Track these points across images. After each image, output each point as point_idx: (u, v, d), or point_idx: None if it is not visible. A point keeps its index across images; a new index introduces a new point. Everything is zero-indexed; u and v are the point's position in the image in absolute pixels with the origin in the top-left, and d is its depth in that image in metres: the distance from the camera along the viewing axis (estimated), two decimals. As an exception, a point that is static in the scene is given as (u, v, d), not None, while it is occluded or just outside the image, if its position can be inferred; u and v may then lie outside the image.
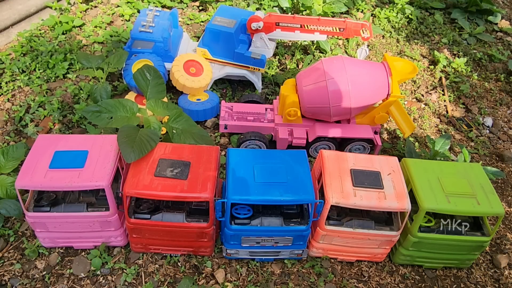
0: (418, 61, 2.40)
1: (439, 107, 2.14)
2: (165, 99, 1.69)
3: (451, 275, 1.43)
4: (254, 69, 1.91)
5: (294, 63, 2.23)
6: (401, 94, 1.77)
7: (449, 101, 2.18)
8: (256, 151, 1.35)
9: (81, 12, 2.40)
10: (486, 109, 2.17)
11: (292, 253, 1.34)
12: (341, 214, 1.32)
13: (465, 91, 2.21)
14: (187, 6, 2.58)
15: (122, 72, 1.79)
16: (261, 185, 1.20)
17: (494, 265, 1.48)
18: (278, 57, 2.25)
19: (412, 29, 2.66)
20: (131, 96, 1.80)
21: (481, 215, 1.30)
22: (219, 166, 1.30)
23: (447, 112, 2.11)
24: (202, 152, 1.29)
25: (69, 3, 2.41)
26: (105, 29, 2.32)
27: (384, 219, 1.32)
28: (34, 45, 2.09)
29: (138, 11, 2.44)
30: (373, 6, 2.81)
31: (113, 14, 2.44)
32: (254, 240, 1.27)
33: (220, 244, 1.37)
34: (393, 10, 2.73)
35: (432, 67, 2.36)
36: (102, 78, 1.75)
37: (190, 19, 2.47)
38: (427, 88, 2.24)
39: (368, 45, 2.42)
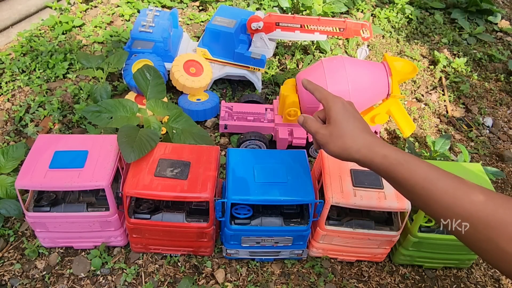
0: (418, 61, 2.40)
1: (439, 107, 2.14)
2: (165, 99, 1.69)
3: (451, 275, 1.43)
4: (254, 69, 1.91)
5: (294, 63, 2.23)
6: (401, 94, 1.77)
7: (449, 101, 2.18)
8: (256, 151, 1.35)
9: (81, 12, 2.40)
10: (486, 109, 2.17)
11: (292, 253, 1.34)
12: (341, 214, 1.32)
13: (465, 91, 2.21)
14: (187, 6, 2.59)
15: (122, 72, 1.79)
16: (261, 185, 1.20)
17: (494, 265, 1.48)
18: (278, 57, 2.25)
19: (412, 29, 2.66)
20: (131, 96, 1.80)
21: (481, 215, 1.29)
22: (219, 166, 1.30)
23: (447, 112, 2.11)
24: (202, 152, 1.29)
25: (69, 3, 2.41)
26: (105, 29, 2.32)
27: (384, 219, 1.33)
28: (34, 45, 2.09)
29: (138, 11, 2.44)
30: (373, 6, 2.81)
31: (113, 14, 2.44)
32: (254, 240, 1.27)
33: (220, 244, 1.37)
34: (393, 10, 2.73)
35: (432, 67, 2.36)
36: (102, 78, 1.75)
37: (190, 19, 2.47)
38: (427, 88, 2.24)
39: (368, 45, 2.42)
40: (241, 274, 1.33)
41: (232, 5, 2.56)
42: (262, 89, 2.05)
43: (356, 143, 0.73)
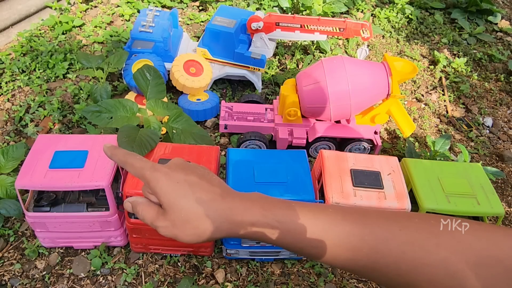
0: (418, 61, 2.40)
1: (439, 107, 2.14)
2: (165, 99, 1.69)
3: (451, 275, 1.43)
4: (254, 69, 1.91)
5: (294, 63, 2.23)
6: (401, 94, 1.77)
7: (449, 101, 2.18)
8: (256, 151, 1.35)
9: (81, 12, 2.40)
10: (486, 109, 2.17)
11: (292, 253, 1.34)
12: (341, 214, 1.32)
13: (465, 91, 2.21)
14: (187, 6, 2.58)
15: (122, 72, 1.79)
16: (261, 185, 1.20)
17: (494, 265, 1.48)
18: (278, 57, 2.25)
19: (412, 29, 2.66)
20: (131, 96, 1.80)
21: (481, 215, 1.30)
22: (219, 166, 1.30)
23: (447, 112, 2.11)
24: (202, 152, 1.29)
25: (69, 3, 2.41)
26: (105, 29, 2.32)
27: (384, 219, 1.32)
28: (34, 45, 2.09)
29: (138, 11, 2.44)
30: (373, 6, 2.81)
31: (113, 14, 2.44)
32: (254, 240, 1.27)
33: (220, 244, 1.37)
34: (393, 10, 2.73)
35: (432, 67, 2.36)
36: (102, 78, 1.75)
37: (190, 19, 2.47)
38: (427, 88, 2.24)
39: (368, 45, 2.42)
40: (241, 274, 1.33)
41: (232, 5, 2.56)
42: (262, 89, 2.05)
43: (210, 222, 0.53)
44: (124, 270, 1.31)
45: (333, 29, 1.80)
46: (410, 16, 2.73)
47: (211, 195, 0.54)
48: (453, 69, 2.36)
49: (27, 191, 1.26)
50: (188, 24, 2.44)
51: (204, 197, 0.54)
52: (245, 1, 2.63)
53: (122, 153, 0.58)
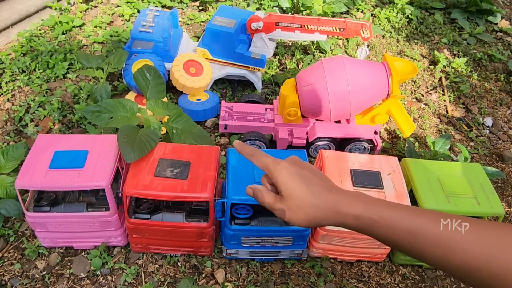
0: (418, 61, 2.40)
1: (439, 107, 2.14)
2: (165, 99, 1.69)
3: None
4: (254, 69, 1.91)
5: (294, 63, 2.23)
6: (401, 94, 1.77)
7: (449, 101, 2.18)
8: (256, 151, 1.35)
9: (81, 12, 2.40)
10: (486, 109, 2.17)
11: (292, 253, 1.34)
12: (341, 214, 1.32)
13: (465, 91, 2.21)
14: (187, 6, 2.59)
15: (122, 72, 1.79)
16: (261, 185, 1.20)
17: (494, 265, 1.48)
18: (278, 57, 2.25)
19: (412, 29, 2.66)
20: (131, 96, 1.80)
21: (481, 215, 1.30)
22: (219, 166, 1.30)
23: (447, 112, 2.11)
24: (202, 152, 1.29)
25: (69, 3, 2.41)
26: (105, 29, 2.32)
27: (384, 219, 1.32)
28: (34, 45, 2.09)
29: (138, 11, 2.44)
30: (373, 6, 2.81)
31: (113, 14, 2.44)
32: (254, 240, 1.27)
33: (220, 244, 1.37)
34: (393, 10, 2.73)
35: (432, 67, 2.36)
36: (102, 78, 1.75)
37: (190, 19, 2.47)
38: (427, 88, 2.24)
39: (368, 45, 2.42)
40: (241, 274, 1.33)
41: (232, 5, 2.56)
42: (262, 89, 2.05)
43: (320, 210, 0.62)
44: (124, 270, 1.31)
45: (333, 29, 1.80)
46: (410, 16, 2.73)
47: (321, 188, 0.64)
48: (453, 69, 2.36)
49: (27, 191, 1.26)
50: (188, 24, 2.44)
51: (316, 190, 0.63)
52: (245, 1, 2.63)
53: (249, 148, 0.71)
